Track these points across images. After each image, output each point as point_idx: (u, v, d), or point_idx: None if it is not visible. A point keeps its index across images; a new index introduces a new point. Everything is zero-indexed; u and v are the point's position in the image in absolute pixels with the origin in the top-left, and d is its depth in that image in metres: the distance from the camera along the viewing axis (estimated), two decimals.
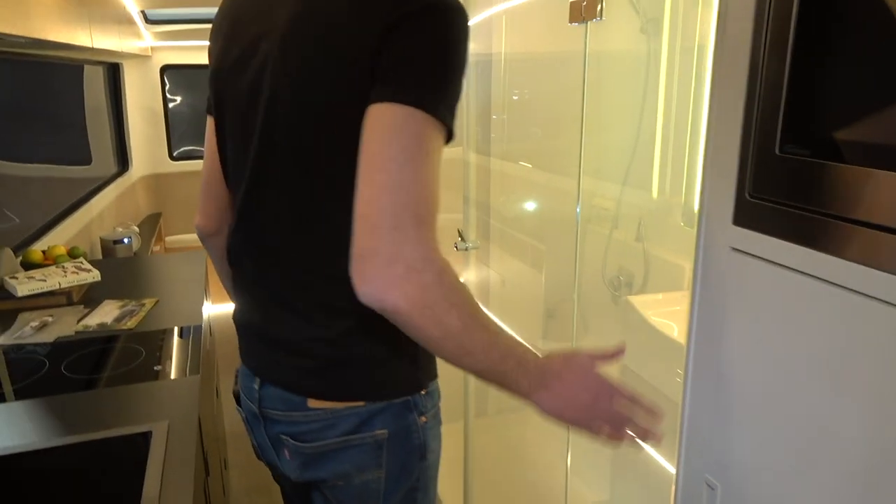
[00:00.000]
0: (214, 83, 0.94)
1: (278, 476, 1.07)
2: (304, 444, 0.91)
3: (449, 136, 0.77)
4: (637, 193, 2.03)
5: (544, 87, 2.26)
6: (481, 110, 2.24)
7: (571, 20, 1.40)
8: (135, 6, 3.13)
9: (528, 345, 0.81)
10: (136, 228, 3.17)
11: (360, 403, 0.88)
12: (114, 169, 3.77)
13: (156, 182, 4.11)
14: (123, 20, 2.91)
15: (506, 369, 0.79)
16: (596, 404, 0.83)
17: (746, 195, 0.75)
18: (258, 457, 1.07)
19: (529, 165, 2.46)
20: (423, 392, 0.93)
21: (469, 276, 2.27)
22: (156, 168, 4.11)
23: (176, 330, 1.63)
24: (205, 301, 1.84)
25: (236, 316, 1.02)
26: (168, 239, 4.04)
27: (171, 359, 1.47)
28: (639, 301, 1.87)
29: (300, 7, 0.80)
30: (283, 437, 0.93)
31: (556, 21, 2.11)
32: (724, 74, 0.76)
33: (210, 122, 0.99)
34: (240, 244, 0.96)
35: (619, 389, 0.85)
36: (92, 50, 2.58)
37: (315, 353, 0.88)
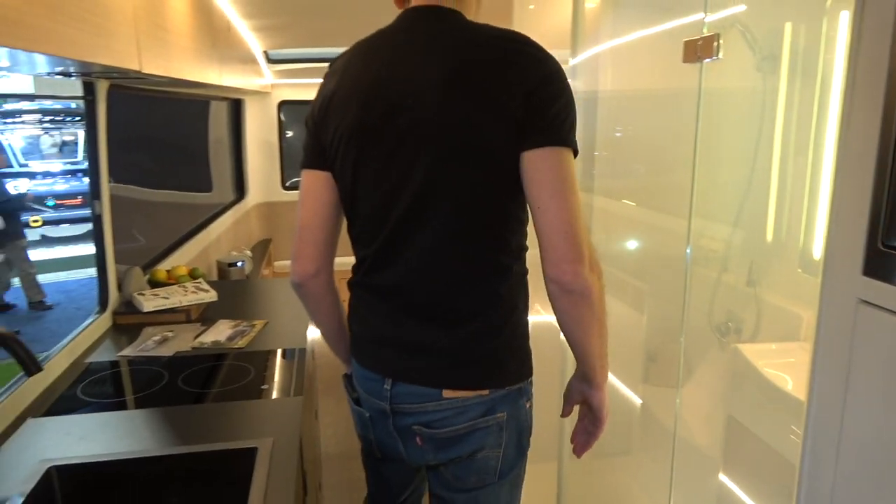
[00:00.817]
0: (354, 139, 1.06)
1: (390, 461, 1.23)
2: (436, 430, 1.09)
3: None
4: (749, 236, 1.94)
5: (651, 125, 2.22)
6: (585, 147, 2.23)
7: (686, 59, 1.37)
8: (259, 46, 3.36)
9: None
10: (249, 253, 3.35)
11: (485, 392, 1.07)
12: (231, 196, 4.02)
13: (268, 210, 4.36)
14: (248, 60, 3.14)
15: (606, 355, 1.12)
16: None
17: (879, 244, 0.70)
18: (369, 452, 1.25)
19: (633, 204, 2.40)
20: (529, 381, 1.14)
21: None
22: (269, 196, 4.35)
23: (281, 351, 1.71)
24: (309, 325, 1.92)
25: (361, 332, 1.18)
26: (276, 264, 4.25)
27: (275, 379, 1.54)
28: (749, 349, 1.76)
29: (451, 72, 1.00)
30: (416, 427, 1.10)
31: (666, 58, 2.07)
32: (855, 114, 0.72)
33: (315, 175, 1.13)
34: (382, 272, 1.11)
35: None
36: (220, 87, 2.79)
37: (449, 352, 1.08)
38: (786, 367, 1.69)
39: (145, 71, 1.34)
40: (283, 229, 4.35)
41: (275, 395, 1.46)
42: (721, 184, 1.94)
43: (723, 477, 1.78)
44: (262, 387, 1.50)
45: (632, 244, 2.45)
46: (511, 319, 1.10)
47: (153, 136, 3.13)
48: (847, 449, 0.76)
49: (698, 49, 1.31)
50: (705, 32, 1.45)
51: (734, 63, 1.79)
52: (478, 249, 1.05)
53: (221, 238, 3.35)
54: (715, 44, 1.26)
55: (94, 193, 1.84)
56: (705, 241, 2.13)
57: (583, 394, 1.17)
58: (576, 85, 2.05)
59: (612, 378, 2.25)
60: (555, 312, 1.04)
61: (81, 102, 1.75)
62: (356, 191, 1.09)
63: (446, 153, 1.01)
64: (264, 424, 1.33)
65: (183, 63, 1.72)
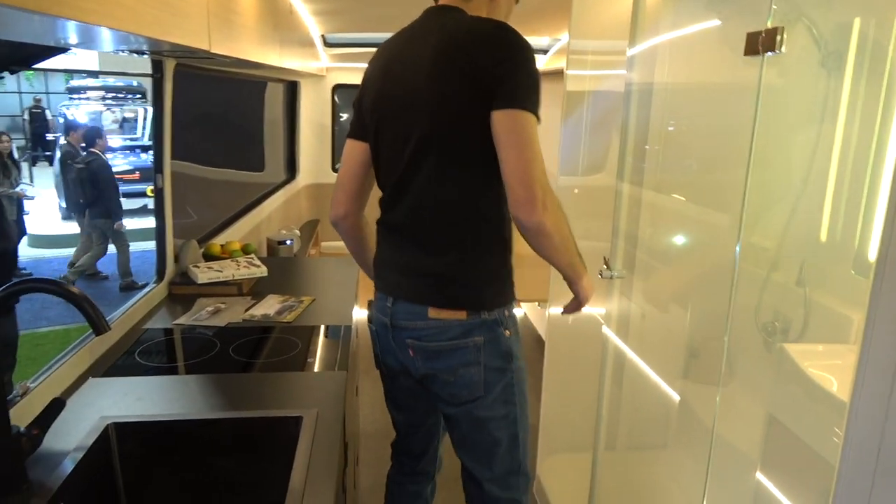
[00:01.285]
0: (374, 112, 1.37)
1: (394, 375, 1.47)
2: (425, 343, 1.33)
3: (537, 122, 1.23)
4: (802, 235, 1.90)
5: (706, 120, 2.18)
6: (637, 140, 2.21)
7: (747, 52, 1.35)
8: (317, 30, 3.42)
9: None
10: (298, 232, 3.43)
11: (463, 315, 1.31)
12: (283, 176, 4.12)
13: (317, 191, 4.44)
14: (306, 43, 3.20)
15: (580, 268, 1.35)
16: (589, 299, 1.42)
17: None
18: (377, 364, 1.49)
19: (683, 198, 2.37)
20: (506, 313, 1.35)
21: (611, 306, 2.23)
22: (318, 178, 4.43)
23: (325, 328, 1.76)
24: (355, 305, 1.96)
25: (378, 260, 1.45)
26: (323, 244, 4.34)
27: (321, 353, 1.59)
28: (795, 350, 1.73)
29: (440, 53, 1.25)
30: (409, 340, 1.35)
31: (724, 52, 2.04)
32: None
33: (352, 142, 1.45)
34: (390, 212, 1.38)
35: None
36: (279, 69, 2.85)
37: (434, 275, 1.32)
38: (832, 368, 1.66)
39: (214, 51, 1.39)
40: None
41: (320, 368, 1.51)
42: (776, 181, 1.91)
43: (760, 475, 1.76)
44: (308, 360, 1.55)
45: (679, 239, 2.42)
46: (489, 255, 1.33)
47: (210, 115, 3.22)
48: (889, 449, 0.76)
49: (761, 42, 1.29)
50: (769, 26, 1.42)
51: (798, 58, 1.75)
52: (462, 195, 1.29)
53: (272, 216, 3.44)
54: (778, 37, 1.24)
55: (157, 167, 1.92)
56: (756, 239, 2.09)
57: (568, 283, 1.43)
58: (631, 77, 2.03)
59: (649, 371, 2.24)
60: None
61: (141, 81, 1.82)
62: (378, 149, 1.39)
63: (435, 118, 1.25)
64: (309, 396, 1.38)
65: (248, 44, 1.78)
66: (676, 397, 2.18)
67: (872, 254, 1.68)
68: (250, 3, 1.82)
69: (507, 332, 1.35)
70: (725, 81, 2.07)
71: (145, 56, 1.71)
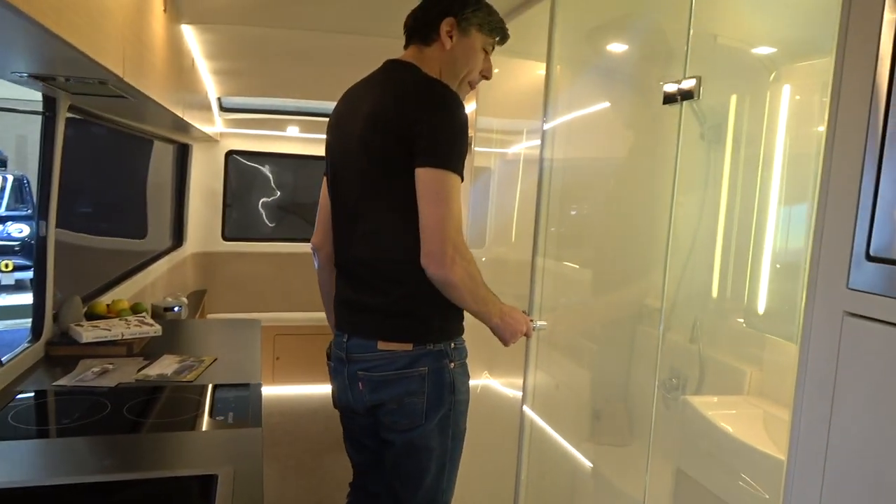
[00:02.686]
0: (330, 155, 1.48)
1: (348, 414, 1.51)
2: (373, 374, 1.38)
3: (461, 180, 1.30)
4: (693, 294, 2.02)
5: (608, 191, 2.32)
6: (547, 212, 2.28)
7: (665, 102, 1.47)
8: (214, 92, 3.35)
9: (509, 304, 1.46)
10: (185, 300, 3.21)
11: (409, 347, 1.35)
12: (168, 243, 3.87)
13: (206, 260, 4.20)
14: (204, 104, 3.11)
15: (490, 311, 1.39)
16: (516, 332, 1.45)
17: (865, 257, 0.75)
18: (334, 404, 1.52)
19: (577, 266, 2.47)
20: (452, 346, 1.40)
21: (530, 380, 2.23)
22: (208, 246, 4.20)
23: (235, 385, 1.62)
24: (261, 366, 1.83)
25: (336, 300, 1.51)
26: (209, 316, 4.07)
27: (231, 411, 1.46)
28: (695, 402, 1.81)
29: (372, 109, 1.33)
30: (360, 372, 1.39)
31: (620, 127, 2.21)
32: (844, 127, 0.78)
33: (326, 181, 1.51)
34: (340, 256, 1.48)
35: (528, 330, 1.49)
36: (172, 128, 2.73)
37: (382, 311, 1.38)
38: (727, 418, 1.75)
39: (126, 79, 1.31)
40: (220, 281, 4.18)
41: (231, 426, 1.38)
42: (663, 246, 2.03)
43: None
44: (218, 418, 1.41)
45: (582, 304, 2.50)
46: (433, 293, 1.33)
47: (81, 173, 2.97)
48: (836, 460, 0.79)
49: (678, 92, 1.41)
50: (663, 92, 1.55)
51: (682, 132, 1.92)
52: (404, 243, 1.31)
53: (157, 283, 3.20)
54: (697, 86, 1.36)
55: (41, 213, 1.74)
56: (649, 301, 2.21)
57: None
58: (544, 153, 2.11)
59: (559, 438, 2.25)
60: None
61: (2, 149, 1.67)
62: (332, 195, 1.48)
63: (369, 169, 1.34)
64: (222, 454, 1.25)
65: (157, 85, 1.69)
66: (583, 460, 2.19)
67: (762, 306, 1.82)
68: (160, 44, 1.75)
69: (452, 364, 1.39)
70: (619, 156, 2.23)
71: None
